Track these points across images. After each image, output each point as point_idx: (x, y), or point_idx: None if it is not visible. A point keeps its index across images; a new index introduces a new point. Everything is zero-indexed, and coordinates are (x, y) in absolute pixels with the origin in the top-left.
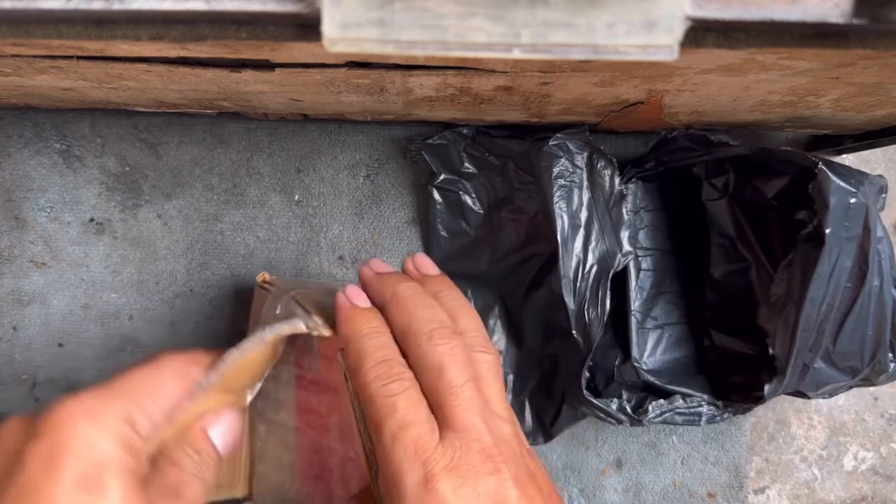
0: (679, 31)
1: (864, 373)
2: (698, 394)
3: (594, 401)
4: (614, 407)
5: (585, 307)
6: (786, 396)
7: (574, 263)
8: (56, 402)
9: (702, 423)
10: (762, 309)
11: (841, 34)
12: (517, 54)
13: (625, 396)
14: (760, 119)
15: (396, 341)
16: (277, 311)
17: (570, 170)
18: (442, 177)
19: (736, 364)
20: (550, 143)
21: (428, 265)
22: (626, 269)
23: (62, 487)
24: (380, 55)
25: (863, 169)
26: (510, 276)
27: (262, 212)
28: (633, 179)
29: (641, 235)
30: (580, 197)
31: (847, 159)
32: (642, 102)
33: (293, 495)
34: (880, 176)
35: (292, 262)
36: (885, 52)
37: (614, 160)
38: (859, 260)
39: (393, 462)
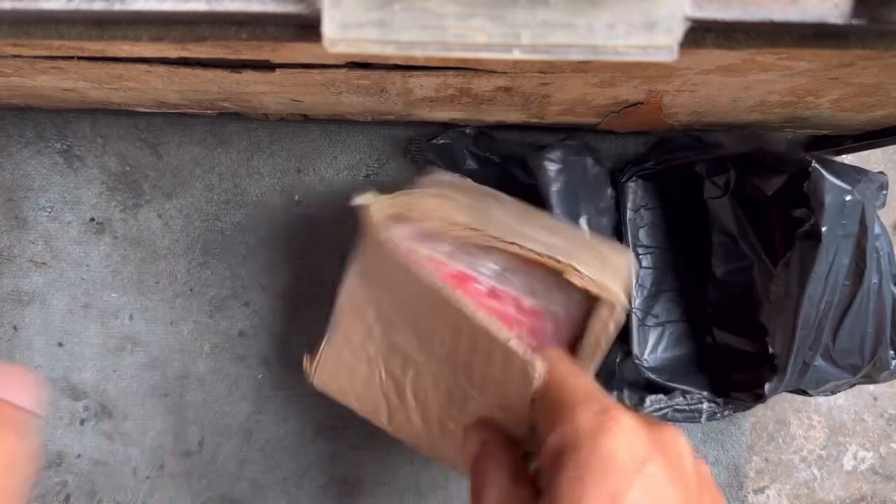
0: (679, 31)
1: (865, 370)
2: (699, 391)
3: None
4: None
5: None
6: (786, 396)
7: None
8: None
9: (702, 419)
10: (763, 307)
11: (840, 34)
12: (517, 55)
13: (626, 394)
14: (760, 119)
15: None
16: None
17: (568, 181)
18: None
19: (738, 362)
20: (547, 156)
21: None
22: None
23: None
24: (380, 55)
25: None
26: None
27: (263, 211)
28: (633, 178)
29: (642, 233)
30: (576, 205)
31: (847, 159)
32: (642, 103)
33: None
34: (881, 173)
35: (292, 262)
36: (885, 53)
37: (606, 166)
38: (857, 257)
39: (572, 403)
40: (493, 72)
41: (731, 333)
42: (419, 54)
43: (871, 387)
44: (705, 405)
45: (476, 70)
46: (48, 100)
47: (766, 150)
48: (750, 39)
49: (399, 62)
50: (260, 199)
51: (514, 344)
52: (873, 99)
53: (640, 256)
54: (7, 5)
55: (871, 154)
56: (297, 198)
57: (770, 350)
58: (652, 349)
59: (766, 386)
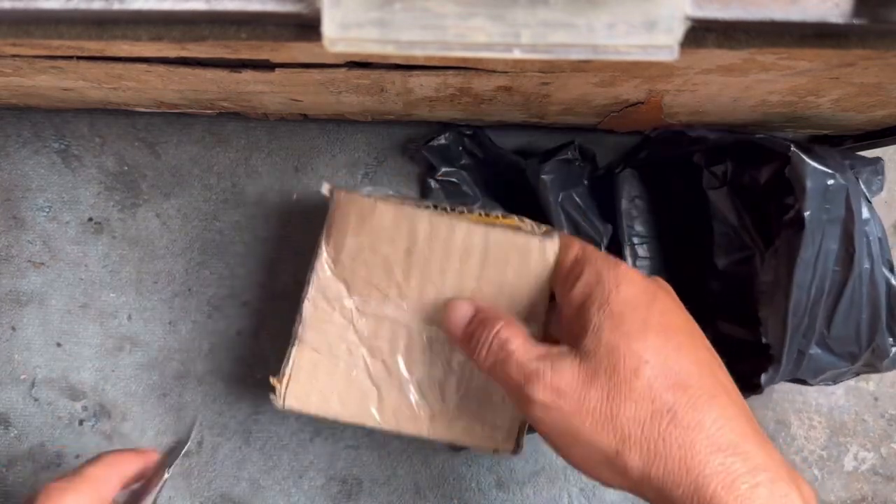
0: (679, 31)
1: (865, 357)
2: None
3: None
4: None
5: None
6: (787, 396)
7: None
8: (43, 488)
9: None
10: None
11: (841, 34)
12: (517, 54)
13: None
14: (761, 119)
15: None
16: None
17: (562, 186)
18: (442, 170)
19: (739, 352)
20: (545, 175)
21: None
22: (620, 254)
23: None
24: (380, 55)
25: None
26: None
27: (261, 211)
28: (628, 168)
29: (637, 223)
30: (578, 208)
31: None
32: (642, 103)
33: None
34: (876, 158)
35: (291, 261)
36: (886, 53)
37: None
38: (845, 242)
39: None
40: (494, 71)
41: (732, 324)
42: (419, 54)
43: (871, 387)
44: None
45: (476, 70)
46: (47, 100)
47: (750, 139)
48: (750, 39)
49: (399, 62)
50: (258, 198)
51: (529, 232)
52: (874, 99)
53: (637, 246)
54: (6, 5)
55: (871, 154)
56: (295, 197)
57: (763, 340)
58: None
59: (763, 376)
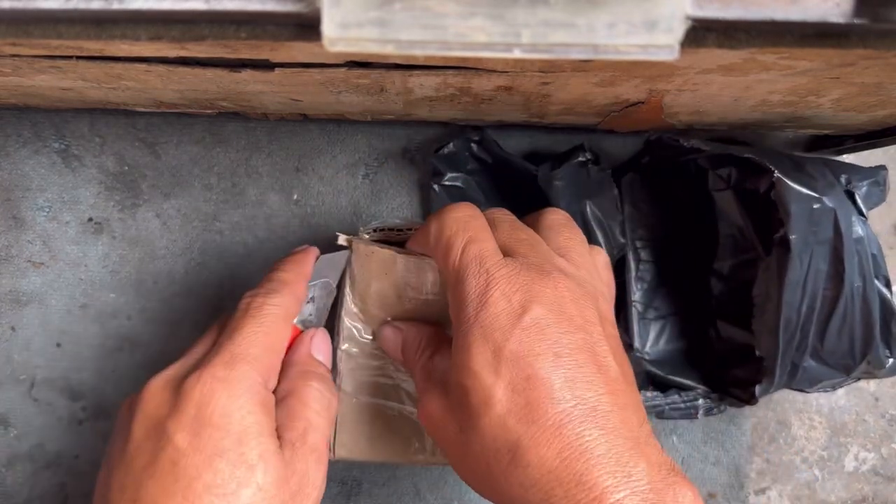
0: (680, 30)
1: (861, 368)
2: (698, 385)
3: None
4: None
5: None
6: (787, 397)
7: None
8: (192, 376)
9: (699, 415)
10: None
11: (842, 34)
12: (517, 54)
13: None
14: (761, 119)
15: None
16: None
17: (574, 192)
18: (448, 175)
19: (739, 356)
20: (558, 181)
21: None
22: (624, 260)
23: (208, 461)
24: (380, 55)
25: None
26: None
27: (261, 211)
28: (631, 172)
29: (641, 227)
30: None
31: (848, 159)
32: (643, 102)
33: None
34: (880, 166)
35: None
36: (887, 52)
37: (608, 170)
38: (834, 262)
39: (461, 270)
40: (494, 71)
41: (735, 326)
42: (419, 53)
43: (872, 388)
44: (701, 402)
45: (476, 69)
46: (46, 99)
47: (739, 156)
48: (751, 39)
49: (399, 61)
50: (258, 198)
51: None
52: (874, 99)
53: (640, 250)
54: (6, 4)
55: (871, 154)
56: (295, 197)
57: (757, 353)
58: (653, 342)
59: (757, 388)
